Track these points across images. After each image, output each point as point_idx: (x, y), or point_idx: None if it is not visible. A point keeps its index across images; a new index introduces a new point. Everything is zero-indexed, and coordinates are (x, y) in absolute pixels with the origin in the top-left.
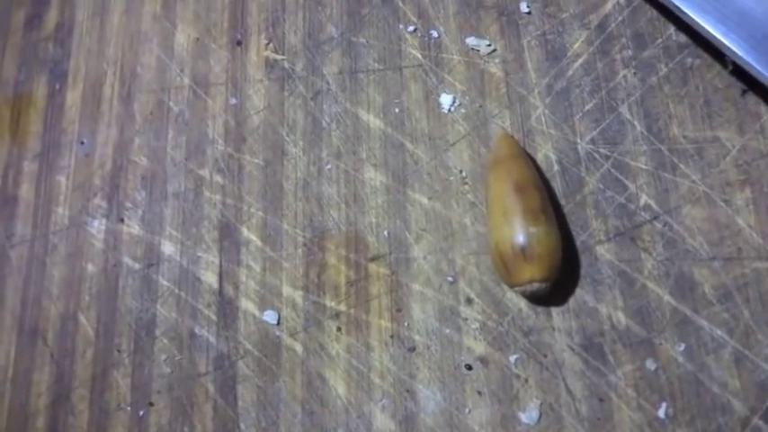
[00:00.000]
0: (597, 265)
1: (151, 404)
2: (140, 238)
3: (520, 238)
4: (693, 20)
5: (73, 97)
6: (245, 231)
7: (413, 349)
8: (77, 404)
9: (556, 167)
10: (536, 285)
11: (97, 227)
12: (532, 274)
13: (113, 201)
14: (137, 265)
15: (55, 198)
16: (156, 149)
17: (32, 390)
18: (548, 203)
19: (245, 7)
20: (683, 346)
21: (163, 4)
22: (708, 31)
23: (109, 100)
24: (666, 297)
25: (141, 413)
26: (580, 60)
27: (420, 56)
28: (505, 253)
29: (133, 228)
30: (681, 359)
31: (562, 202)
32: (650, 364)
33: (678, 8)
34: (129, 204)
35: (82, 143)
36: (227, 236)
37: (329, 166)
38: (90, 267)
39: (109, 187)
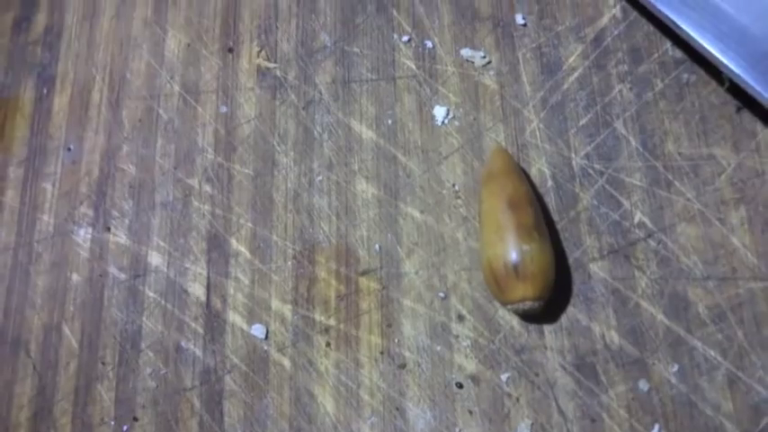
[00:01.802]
0: (590, 282)
1: (135, 419)
2: (127, 247)
3: (513, 256)
4: (691, 36)
5: (60, 102)
6: (233, 243)
7: (403, 366)
8: (60, 417)
9: (550, 183)
10: (529, 304)
11: (83, 236)
12: (525, 292)
13: (100, 209)
14: (123, 276)
15: (40, 205)
16: (144, 157)
17: (14, 402)
18: (541, 220)
19: (238, 14)
20: (676, 367)
21: (154, 9)
22: (705, 49)
23: (97, 106)
24: (660, 316)
25: (125, 428)
26: (575, 74)
27: (414, 66)
28: (498, 270)
29: (120, 237)
30: (674, 380)
31: (555, 218)
32: (643, 385)
33: (676, 24)
34: (116, 213)
35: (69, 149)
36: (216, 247)
37: (320, 178)
38: (75, 277)
39: (95, 195)
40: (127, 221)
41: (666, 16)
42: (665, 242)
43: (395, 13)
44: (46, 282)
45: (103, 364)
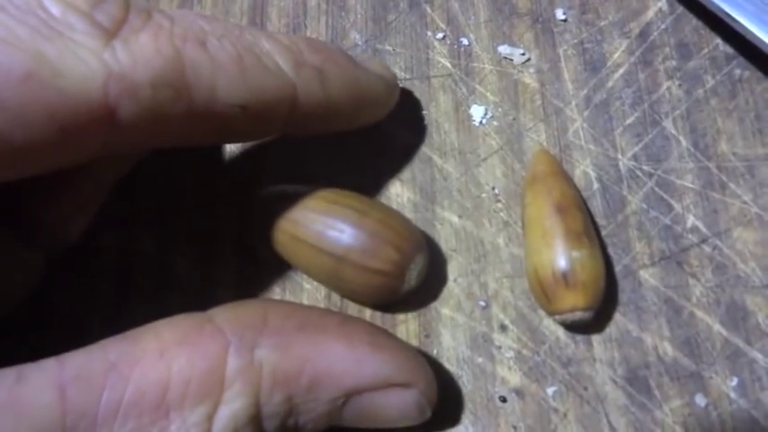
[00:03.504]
0: (641, 291)
1: None
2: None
3: (562, 263)
4: (749, 30)
5: None
6: (263, 250)
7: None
8: None
9: (595, 185)
10: (579, 314)
11: None
12: (575, 301)
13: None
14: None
15: None
16: None
17: None
18: (590, 225)
19: (265, 12)
20: (735, 381)
21: (179, 7)
22: (765, 43)
23: None
24: (717, 327)
25: None
26: (621, 71)
27: (449, 65)
28: (545, 279)
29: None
30: (733, 395)
31: (602, 222)
32: (700, 400)
33: (731, 18)
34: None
35: None
36: (244, 252)
37: (352, 182)
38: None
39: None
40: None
41: (721, 9)
42: (721, 248)
43: (428, 9)
44: None
45: None
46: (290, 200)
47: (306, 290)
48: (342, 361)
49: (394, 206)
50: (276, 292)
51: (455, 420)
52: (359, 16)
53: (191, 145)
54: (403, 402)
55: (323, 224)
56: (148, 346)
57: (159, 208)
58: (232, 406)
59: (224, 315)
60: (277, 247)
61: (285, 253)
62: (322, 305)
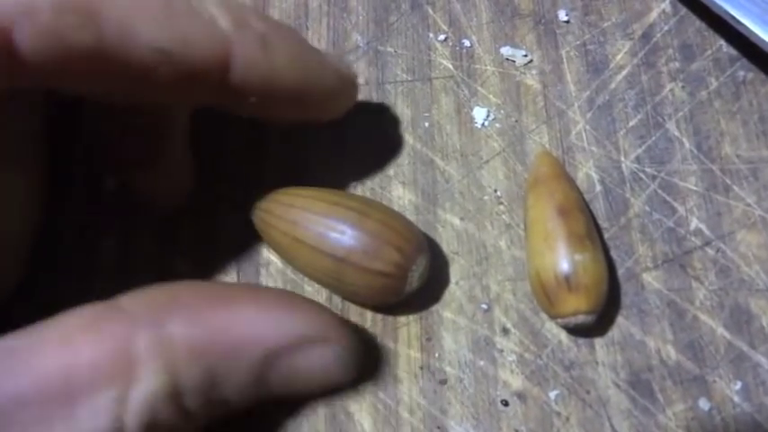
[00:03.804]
0: (644, 294)
1: None
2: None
3: (564, 266)
4: (753, 32)
5: None
6: (264, 251)
7: (444, 382)
8: None
9: (598, 188)
10: (581, 318)
11: None
12: (578, 305)
13: None
14: None
15: None
16: None
17: None
18: (593, 228)
19: (266, 13)
20: (739, 385)
21: None
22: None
23: None
24: (720, 330)
25: None
26: (623, 72)
27: (451, 66)
28: (548, 282)
29: None
30: (737, 399)
31: (605, 225)
32: (703, 404)
33: (736, 20)
34: None
35: None
36: (244, 253)
37: (354, 184)
38: None
39: None
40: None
41: (725, 11)
42: (724, 250)
43: (430, 11)
44: None
45: None
46: (290, 201)
47: (307, 291)
48: (255, 324)
49: (395, 208)
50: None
51: (456, 424)
52: (360, 18)
53: (124, 100)
54: (323, 359)
55: (324, 226)
56: (51, 335)
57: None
58: (146, 385)
59: (130, 298)
60: (278, 249)
61: (286, 255)
62: None
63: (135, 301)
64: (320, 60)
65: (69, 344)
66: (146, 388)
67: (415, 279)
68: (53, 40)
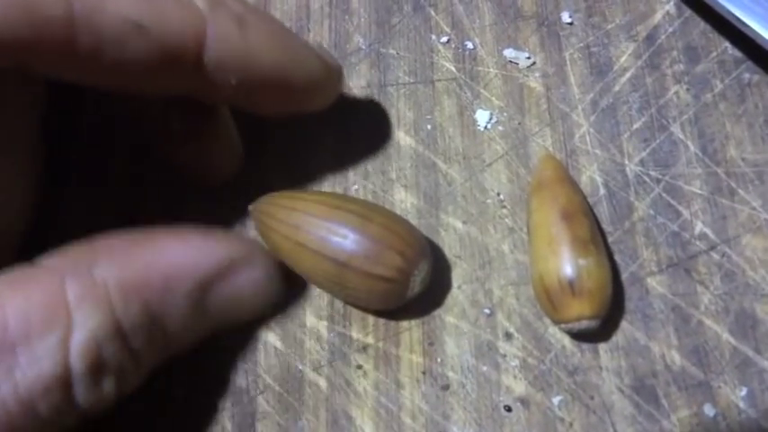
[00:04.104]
0: (648, 298)
1: None
2: None
3: (568, 271)
4: (758, 34)
5: None
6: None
7: (447, 387)
8: None
9: (602, 191)
10: (585, 323)
11: None
12: (582, 310)
13: None
14: None
15: None
16: None
17: None
18: (597, 232)
19: None
20: (744, 391)
21: None
22: None
23: None
24: (725, 335)
25: None
26: (627, 75)
27: (454, 69)
28: (551, 287)
29: None
30: (742, 405)
31: (609, 229)
32: (708, 410)
33: (741, 21)
34: None
35: None
36: None
37: (356, 187)
38: None
39: None
40: None
41: (730, 12)
42: (730, 255)
43: (432, 12)
44: None
45: None
46: (291, 204)
47: (308, 297)
48: (183, 255)
49: (398, 212)
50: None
51: (459, 429)
52: (362, 20)
53: (104, 87)
54: (252, 279)
55: (326, 229)
56: None
57: (162, 213)
58: (86, 327)
59: (51, 256)
60: (279, 253)
61: (288, 259)
62: (325, 312)
63: (57, 257)
64: (300, 44)
65: None
66: (87, 329)
67: (417, 284)
68: (23, 12)
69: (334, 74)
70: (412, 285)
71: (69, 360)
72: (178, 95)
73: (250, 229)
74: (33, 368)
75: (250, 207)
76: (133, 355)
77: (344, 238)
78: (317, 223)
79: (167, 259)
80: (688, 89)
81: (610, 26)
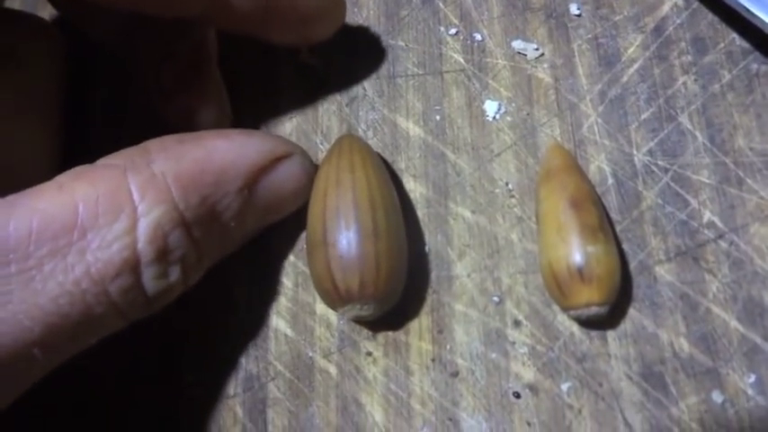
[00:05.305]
0: (656, 286)
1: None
2: None
3: (577, 258)
4: (766, 24)
5: None
6: (274, 244)
7: (456, 374)
8: None
9: (610, 181)
10: (594, 309)
11: None
12: (590, 297)
13: None
14: None
15: None
16: None
17: None
18: (605, 220)
19: None
20: (752, 378)
21: None
22: None
23: None
24: (733, 323)
25: None
26: (635, 66)
27: (462, 60)
28: (560, 274)
29: None
30: (750, 391)
31: (617, 218)
32: (717, 397)
33: (749, 12)
34: None
35: None
36: (257, 249)
37: None
38: None
39: None
40: None
41: (738, 3)
42: (738, 243)
43: (441, 4)
44: None
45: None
46: (351, 167)
47: None
48: (229, 152)
49: (407, 202)
50: (288, 287)
51: (468, 416)
52: (371, 12)
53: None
54: (292, 171)
55: (342, 218)
56: (45, 187)
57: None
58: (151, 215)
59: (108, 158)
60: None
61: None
62: None
63: (115, 157)
64: None
65: (65, 188)
66: (152, 217)
67: (349, 313)
68: None
69: (338, 3)
70: (342, 309)
71: (137, 246)
72: (196, 17)
73: None
74: (104, 252)
75: None
76: (196, 245)
77: (346, 231)
78: (344, 205)
79: (217, 155)
80: (696, 80)
81: (618, 18)
